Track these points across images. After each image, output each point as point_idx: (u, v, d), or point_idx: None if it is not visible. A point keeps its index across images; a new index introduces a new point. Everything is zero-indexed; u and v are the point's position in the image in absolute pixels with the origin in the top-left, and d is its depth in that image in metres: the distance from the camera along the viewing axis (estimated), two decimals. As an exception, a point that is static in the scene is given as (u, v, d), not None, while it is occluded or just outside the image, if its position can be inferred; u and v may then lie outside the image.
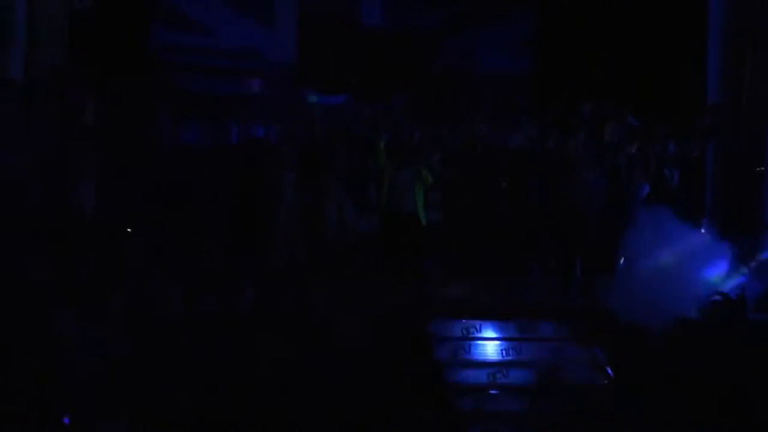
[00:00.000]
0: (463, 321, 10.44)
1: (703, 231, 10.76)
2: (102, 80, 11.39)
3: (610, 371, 10.09)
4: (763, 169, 11.89)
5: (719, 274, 10.44)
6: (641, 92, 12.79)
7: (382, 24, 15.37)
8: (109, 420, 7.51)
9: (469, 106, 12.63)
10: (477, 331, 10.45)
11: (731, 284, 10.35)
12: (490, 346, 10.41)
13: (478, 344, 10.40)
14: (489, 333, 10.51)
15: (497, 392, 9.85)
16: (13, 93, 10.53)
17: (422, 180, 11.30)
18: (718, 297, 9.99)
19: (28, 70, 10.91)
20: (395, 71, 14.44)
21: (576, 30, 14.28)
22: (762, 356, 9.56)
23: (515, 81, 14.60)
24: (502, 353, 10.35)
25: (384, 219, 11.36)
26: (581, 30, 14.16)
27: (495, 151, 11.80)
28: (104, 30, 12.66)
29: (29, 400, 6.83)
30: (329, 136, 12.09)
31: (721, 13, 12.88)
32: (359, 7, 15.38)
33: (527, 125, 12.17)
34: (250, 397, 8.83)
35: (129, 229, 10.60)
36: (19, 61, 10.88)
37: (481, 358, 10.28)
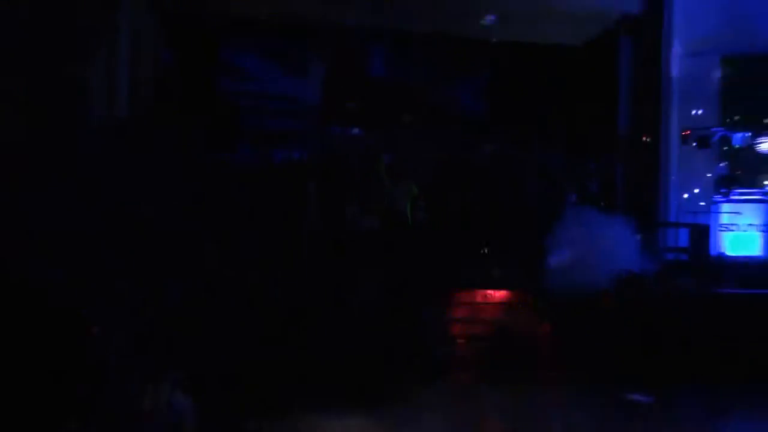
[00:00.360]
0: (441, 289, 10.39)
1: (615, 226, 10.63)
2: (183, 117, 11.58)
3: (547, 326, 10.19)
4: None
5: (628, 257, 10.37)
6: (572, 127, 12.83)
7: (384, 77, 15.46)
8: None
9: (445, 136, 12.73)
10: (451, 297, 10.50)
11: (636, 265, 10.29)
12: (460, 308, 10.49)
13: (452, 307, 10.45)
14: (459, 298, 10.57)
15: (465, 341, 10.00)
16: (118, 128, 10.71)
17: (410, 192, 11.40)
18: (626, 273, 9.98)
19: (127, 111, 10.97)
20: (394, 111, 14.51)
21: (523, 81, 14.28)
22: (657, 315, 9.66)
23: (478, 118, 14.63)
24: (468, 313, 10.45)
25: (382, 219, 11.39)
26: (528, 81, 14.16)
27: (464, 169, 11.94)
28: (185, 81, 12.78)
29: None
30: (345, 158, 12.26)
31: (627, 73, 13.04)
32: (368, 65, 15.44)
33: (488, 151, 12.29)
34: (299, 331, 8.88)
35: (200, 225, 10.64)
36: (123, 105, 10.95)
37: (454, 316, 10.34)
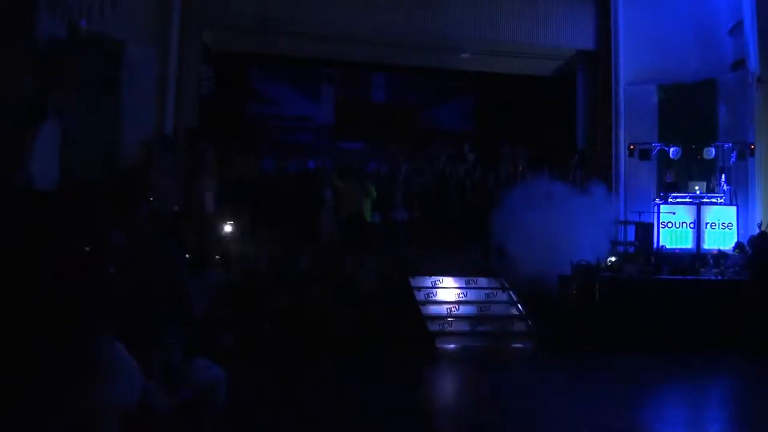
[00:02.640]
0: (432, 276, 10.35)
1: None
2: (217, 135, 11.43)
3: (519, 306, 10.12)
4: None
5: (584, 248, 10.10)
6: (540, 142, 12.70)
7: (384, 101, 15.36)
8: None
9: (434, 149, 12.62)
10: (440, 283, 10.38)
11: (591, 254, 10.01)
12: (448, 292, 10.35)
13: (441, 290, 10.32)
14: (447, 284, 10.43)
15: (453, 319, 9.84)
16: (168, 142, 10.58)
17: (368, 193, 11.24)
18: (583, 262, 9.81)
19: (175, 129, 10.86)
20: (392, 129, 14.43)
21: (500, 105, 14.19)
22: (607, 295, 9.55)
23: (462, 135, 14.43)
24: (455, 296, 10.30)
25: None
26: (504, 105, 14.06)
27: (450, 176, 11.87)
28: (219, 105, 12.61)
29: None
30: (350, 167, 12.14)
31: (584, 98, 13.00)
32: (370, 91, 15.36)
33: (468, 161, 12.22)
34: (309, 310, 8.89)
35: (231, 221, 10.47)
36: (170, 124, 10.83)
37: (443, 299, 10.19)
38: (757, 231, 10.23)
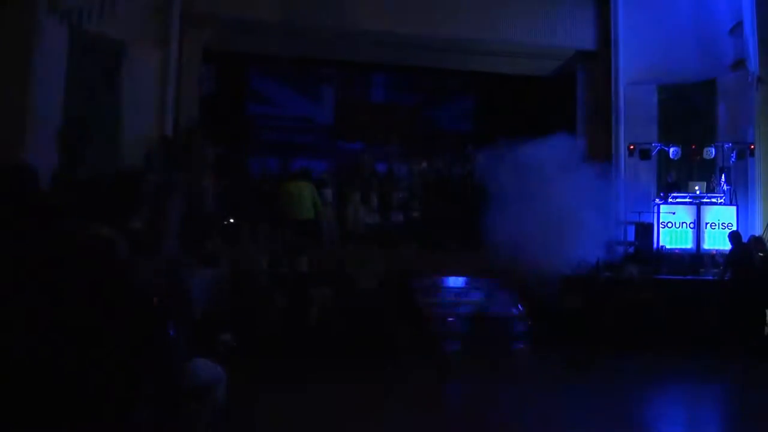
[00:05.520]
0: (432, 277, 10.22)
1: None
2: (217, 134, 11.40)
3: (520, 306, 10.02)
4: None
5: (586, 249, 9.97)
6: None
7: (384, 101, 15.36)
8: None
9: (434, 150, 12.62)
10: (440, 284, 10.28)
11: (592, 255, 9.99)
12: (448, 292, 10.25)
13: (441, 291, 10.21)
14: (447, 284, 10.33)
15: (453, 320, 9.74)
16: (167, 143, 10.56)
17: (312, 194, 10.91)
18: (583, 262, 9.76)
19: (175, 129, 10.82)
20: (392, 129, 14.40)
21: (498, 105, 14.18)
22: (608, 296, 9.63)
23: (462, 135, 14.44)
24: (455, 296, 10.20)
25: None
26: (502, 105, 14.05)
27: (449, 176, 11.87)
28: (219, 105, 12.61)
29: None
30: (350, 167, 12.12)
31: (583, 98, 13.00)
32: (370, 91, 15.38)
33: (469, 161, 12.23)
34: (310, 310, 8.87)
35: (231, 220, 10.46)
36: (170, 124, 10.77)
37: (443, 299, 10.08)
38: (759, 231, 10.23)
